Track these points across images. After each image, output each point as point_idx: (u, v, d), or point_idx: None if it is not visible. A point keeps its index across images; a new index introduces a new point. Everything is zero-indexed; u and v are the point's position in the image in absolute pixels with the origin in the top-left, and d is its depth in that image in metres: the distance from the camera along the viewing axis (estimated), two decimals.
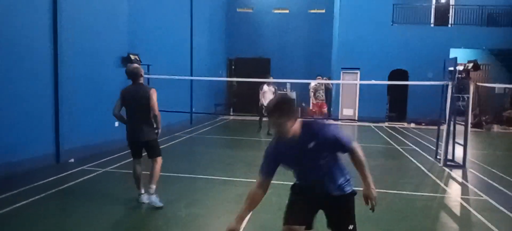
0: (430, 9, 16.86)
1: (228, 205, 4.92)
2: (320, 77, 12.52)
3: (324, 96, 12.31)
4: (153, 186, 4.68)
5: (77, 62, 7.28)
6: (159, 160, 4.79)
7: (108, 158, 7.41)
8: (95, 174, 6.31)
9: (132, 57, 8.77)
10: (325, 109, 12.39)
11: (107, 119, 8.21)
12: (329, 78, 16.88)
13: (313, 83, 12.21)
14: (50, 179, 5.84)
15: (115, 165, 6.95)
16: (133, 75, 4.75)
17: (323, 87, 12.22)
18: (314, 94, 12.24)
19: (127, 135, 4.81)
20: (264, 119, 10.88)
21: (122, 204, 4.93)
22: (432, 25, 16.87)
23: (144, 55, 9.36)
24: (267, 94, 11.38)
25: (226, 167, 7.25)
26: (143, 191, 4.82)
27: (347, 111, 16.63)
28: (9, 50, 5.86)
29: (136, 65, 5.17)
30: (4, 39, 5.78)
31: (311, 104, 12.80)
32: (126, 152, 8.10)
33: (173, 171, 6.56)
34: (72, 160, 7.01)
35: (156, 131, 4.84)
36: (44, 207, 4.73)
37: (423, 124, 14.79)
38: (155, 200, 4.64)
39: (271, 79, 11.95)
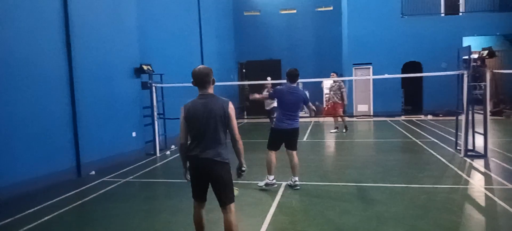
0: None
1: (247, 209, 4.93)
2: (334, 74, 11.99)
3: (338, 96, 11.51)
4: None
5: (91, 76, 7.41)
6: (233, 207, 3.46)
7: (127, 169, 7.50)
8: (115, 185, 6.40)
9: (145, 67, 8.88)
10: (340, 111, 11.69)
11: (123, 129, 8.37)
12: (341, 75, 16.78)
13: (330, 82, 11.89)
14: (73, 192, 5.96)
15: (135, 175, 7.03)
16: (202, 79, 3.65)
17: (337, 85, 11.59)
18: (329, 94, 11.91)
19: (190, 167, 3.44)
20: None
21: (143, 213, 4.99)
22: (442, 14, 16.61)
23: (156, 65, 9.48)
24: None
25: None
26: None
27: (361, 108, 16.49)
28: (26, 71, 6.01)
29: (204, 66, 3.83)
30: (21, 60, 5.92)
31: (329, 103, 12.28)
32: (144, 161, 8.22)
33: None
34: (93, 173, 7.13)
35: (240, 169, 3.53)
36: (70, 220, 4.82)
37: (440, 115, 14.55)
38: None
39: (269, 80, 11.99)
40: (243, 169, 3.47)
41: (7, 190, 5.57)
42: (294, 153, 5.64)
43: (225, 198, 3.32)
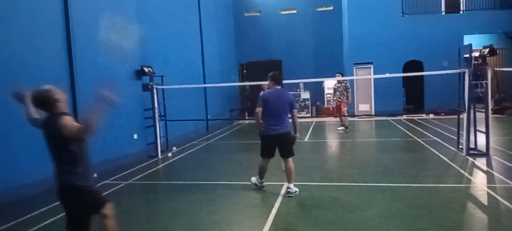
0: None
1: (250, 210, 4.93)
2: (339, 74, 12.09)
3: (345, 96, 11.66)
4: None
5: (92, 79, 7.42)
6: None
7: (130, 171, 7.51)
8: (118, 187, 6.41)
9: (146, 69, 8.89)
10: (345, 109, 11.81)
11: (124, 131, 8.38)
12: (342, 75, 16.77)
13: (331, 82, 11.99)
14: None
15: (136, 177, 7.04)
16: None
17: (343, 85, 11.73)
18: (334, 93, 11.97)
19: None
20: None
21: (145, 215, 4.99)
22: (443, 13, 16.59)
23: (157, 67, 9.49)
24: None
25: (245, 171, 7.25)
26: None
27: (363, 107, 16.47)
28: (27, 73, 6.01)
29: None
30: (22, 62, 5.94)
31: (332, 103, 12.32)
32: (145, 163, 8.23)
33: (193, 179, 6.61)
34: (95, 175, 7.13)
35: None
36: None
37: (442, 114, 14.50)
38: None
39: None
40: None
41: (9, 192, 5.58)
42: (289, 159, 5.34)
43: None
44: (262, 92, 5.50)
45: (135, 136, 8.75)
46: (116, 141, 8.03)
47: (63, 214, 3.21)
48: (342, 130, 11.93)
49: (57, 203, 3.23)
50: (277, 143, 5.31)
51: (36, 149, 6.08)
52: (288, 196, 5.26)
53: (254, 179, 5.82)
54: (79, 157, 2.99)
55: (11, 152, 5.76)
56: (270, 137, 5.28)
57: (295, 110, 5.38)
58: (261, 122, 5.30)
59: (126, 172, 7.41)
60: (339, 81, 11.74)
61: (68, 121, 2.92)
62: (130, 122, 8.59)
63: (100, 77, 7.64)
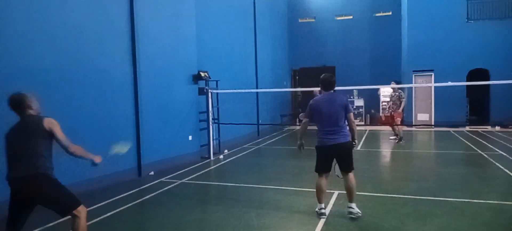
0: (510, 1, 15.33)
1: (298, 216, 4.92)
2: (394, 82, 11.63)
3: (397, 105, 11.14)
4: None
5: (153, 83, 7.87)
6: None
7: (183, 170, 7.83)
8: (172, 185, 6.72)
9: (202, 74, 9.24)
10: (399, 120, 11.26)
11: (180, 133, 8.75)
12: (400, 83, 16.13)
13: (388, 90, 11.59)
14: (134, 190, 6.35)
15: (190, 177, 7.32)
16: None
17: (397, 94, 11.22)
18: (389, 102, 11.57)
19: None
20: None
21: (198, 213, 5.18)
22: None
23: (213, 72, 9.81)
24: None
25: (294, 177, 7.26)
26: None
27: (422, 117, 15.69)
28: (97, 78, 6.55)
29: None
30: (93, 68, 6.48)
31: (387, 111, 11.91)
32: (198, 164, 8.53)
33: (243, 182, 6.74)
34: (152, 173, 7.54)
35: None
36: (129, 217, 5.15)
37: (510, 127, 13.42)
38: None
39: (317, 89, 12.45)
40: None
41: (75, 186, 6.07)
42: (350, 174, 4.71)
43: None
44: (312, 100, 4.97)
45: (190, 138, 9.11)
46: (173, 141, 8.42)
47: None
48: (394, 139, 11.49)
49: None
50: (336, 155, 4.70)
51: None
52: (350, 217, 4.68)
53: (317, 208, 4.91)
54: (50, 151, 3.40)
55: None
56: (327, 147, 4.68)
57: (350, 114, 4.73)
58: (304, 132, 4.99)
59: (180, 172, 7.73)
60: (394, 90, 11.30)
61: (54, 121, 3.41)
62: (186, 124, 8.97)
63: (160, 81, 8.10)
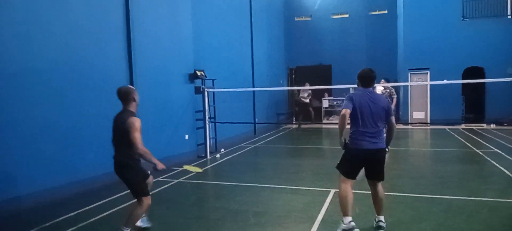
0: (506, 0, 15.40)
1: (296, 215, 4.91)
2: (384, 80, 11.71)
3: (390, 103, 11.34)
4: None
5: (149, 82, 7.82)
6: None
7: (180, 169, 7.79)
8: (169, 185, 6.68)
9: (198, 73, 9.21)
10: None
11: (177, 132, 8.72)
12: (395, 81, 16.18)
13: (379, 89, 11.66)
14: (127, 191, 6.29)
15: (187, 176, 7.28)
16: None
17: (388, 91, 11.25)
18: None
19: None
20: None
21: (195, 213, 5.16)
22: (509, 16, 15.40)
23: (209, 71, 9.78)
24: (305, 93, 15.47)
25: (291, 176, 7.25)
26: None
27: (417, 115, 15.74)
28: (94, 77, 6.50)
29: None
30: (89, 67, 6.43)
31: None
32: (195, 163, 8.48)
33: (240, 181, 6.71)
34: (149, 172, 7.48)
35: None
36: (116, 220, 5.11)
37: (505, 124, 13.50)
38: None
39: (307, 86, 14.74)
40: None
41: (72, 186, 6.03)
42: (380, 184, 4.18)
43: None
44: (352, 92, 4.34)
45: (187, 137, 9.08)
46: (169, 140, 8.38)
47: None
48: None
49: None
50: (368, 161, 4.06)
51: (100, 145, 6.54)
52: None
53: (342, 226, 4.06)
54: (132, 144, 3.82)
55: (75, 148, 6.22)
56: (363, 151, 4.00)
57: (393, 117, 4.12)
58: (347, 127, 4.10)
59: (177, 171, 7.70)
60: (384, 88, 11.32)
61: (137, 121, 3.84)
62: (182, 123, 8.93)
63: (156, 81, 8.05)
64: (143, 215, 4.27)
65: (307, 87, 15.02)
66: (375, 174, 4.12)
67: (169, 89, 8.50)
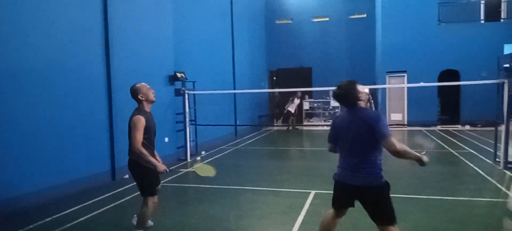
0: (480, 5, 15.95)
1: (276, 217, 4.92)
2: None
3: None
4: None
5: (128, 82, 7.62)
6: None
7: (160, 173, 7.68)
8: None
9: (179, 75, 9.12)
10: None
11: (157, 135, 8.58)
12: (374, 83, 16.47)
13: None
14: (107, 194, 6.18)
15: (167, 179, 7.19)
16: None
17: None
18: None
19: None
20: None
21: (176, 216, 5.10)
22: (482, 21, 15.95)
23: (189, 73, 9.70)
24: (295, 104, 15.34)
25: (272, 178, 7.27)
26: None
27: (395, 116, 16.07)
28: (69, 79, 6.33)
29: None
30: (64, 69, 6.25)
31: None
32: (175, 166, 8.40)
33: (221, 184, 6.68)
34: (127, 176, 7.36)
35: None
36: (104, 222, 5.01)
37: (479, 126, 13.93)
38: None
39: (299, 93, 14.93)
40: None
41: (48, 191, 5.86)
42: (390, 228, 3.17)
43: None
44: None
45: (166, 140, 8.97)
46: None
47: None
48: None
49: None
50: (357, 199, 3.30)
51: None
52: None
53: None
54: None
55: (52, 152, 6.05)
56: (341, 185, 3.32)
57: (390, 140, 3.04)
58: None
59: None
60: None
61: (138, 120, 3.86)
62: (162, 126, 8.81)
63: (135, 82, 7.92)
64: (150, 215, 4.24)
65: (297, 100, 15.27)
66: (373, 215, 3.24)
67: None
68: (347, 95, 3.19)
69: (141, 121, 3.82)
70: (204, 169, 4.31)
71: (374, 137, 3.07)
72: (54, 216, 5.03)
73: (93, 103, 6.85)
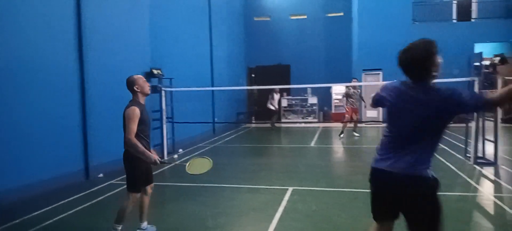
0: (452, 5, 16.46)
1: (254, 214, 4.93)
2: (355, 79, 12.34)
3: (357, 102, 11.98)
4: None
5: (102, 80, 7.51)
6: None
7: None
8: (123, 187, 6.41)
9: (155, 71, 8.98)
10: (358, 115, 12.18)
11: None
12: (350, 81, 16.74)
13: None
14: (81, 194, 6.02)
15: None
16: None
17: (357, 91, 11.96)
18: (347, 99, 11.99)
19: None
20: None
21: (151, 216, 5.01)
22: (454, 21, 16.47)
23: (167, 69, 9.57)
24: (275, 101, 14.52)
25: (250, 175, 7.27)
26: None
27: (371, 113, 16.38)
28: (39, 75, 6.12)
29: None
30: (33, 65, 6.04)
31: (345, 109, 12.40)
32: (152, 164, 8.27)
33: (198, 182, 6.63)
34: (101, 175, 7.21)
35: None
36: (76, 223, 4.88)
37: (450, 122, 14.36)
38: None
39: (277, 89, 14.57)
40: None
41: (17, 192, 5.66)
42: None
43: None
44: (387, 84, 2.78)
45: None
46: (123, 141, 8.08)
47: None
48: (358, 136, 12.18)
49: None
50: (395, 200, 2.53)
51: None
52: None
53: None
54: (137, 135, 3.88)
55: (22, 151, 5.85)
56: (377, 179, 2.63)
57: (487, 95, 2.33)
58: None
59: None
60: (355, 87, 11.92)
61: (132, 111, 3.85)
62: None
63: (110, 79, 7.76)
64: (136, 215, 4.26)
65: (278, 95, 15.10)
66: (412, 227, 2.53)
67: (124, 88, 8.13)
68: (418, 64, 2.37)
69: (135, 111, 3.82)
70: (197, 165, 4.15)
71: (445, 124, 2.44)
72: (24, 217, 4.87)
73: (64, 100, 6.65)
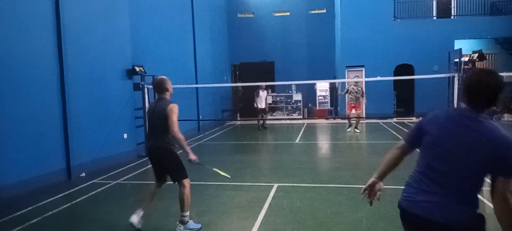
0: (432, 2, 16.77)
1: (239, 211, 4.93)
2: (357, 76, 12.56)
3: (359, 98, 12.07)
4: None
5: (83, 78, 7.36)
6: None
7: (118, 170, 7.46)
8: (106, 186, 6.35)
9: (137, 69, 8.85)
10: (360, 111, 12.40)
11: (115, 131, 8.31)
12: (334, 77, 16.89)
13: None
14: (62, 194, 5.90)
15: (126, 177, 6.99)
16: None
17: (358, 88, 12.04)
18: (347, 95, 12.21)
19: None
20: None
21: (133, 213, 4.95)
22: (434, 17, 16.79)
23: (149, 67, 9.44)
24: (262, 98, 13.70)
25: (235, 172, 7.24)
26: None
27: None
28: (17, 73, 5.95)
29: None
30: (11, 61, 5.87)
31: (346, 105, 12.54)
32: (135, 163, 8.17)
33: None
34: (84, 174, 7.08)
35: None
36: (59, 223, 4.78)
37: None
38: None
39: (263, 85, 13.91)
40: None
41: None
42: None
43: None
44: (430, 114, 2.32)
45: (125, 136, 8.69)
46: (106, 140, 7.97)
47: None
48: (359, 132, 12.32)
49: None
50: None
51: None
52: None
53: None
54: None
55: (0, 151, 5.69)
56: (407, 218, 2.25)
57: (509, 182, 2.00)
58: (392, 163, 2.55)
59: (115, 172, 7.35)
60: (356, 84, 12.09)
61: (176, 107, 4.06)
62: (121, 122, 8.54)
63: (91, 76, 7.60)
64: (139, 210, 4.35)
65: (264, 93, 14.25)
66: None
67: (105, 85, 8.06)
68: (492, 92, 2.02)
69: (177, 107, 4.06)
70: (222, 172, 4.83)
71: (489, 166, 2.01)
72: (4, 219, 4.74)
73: (44, 98, 6.49)
